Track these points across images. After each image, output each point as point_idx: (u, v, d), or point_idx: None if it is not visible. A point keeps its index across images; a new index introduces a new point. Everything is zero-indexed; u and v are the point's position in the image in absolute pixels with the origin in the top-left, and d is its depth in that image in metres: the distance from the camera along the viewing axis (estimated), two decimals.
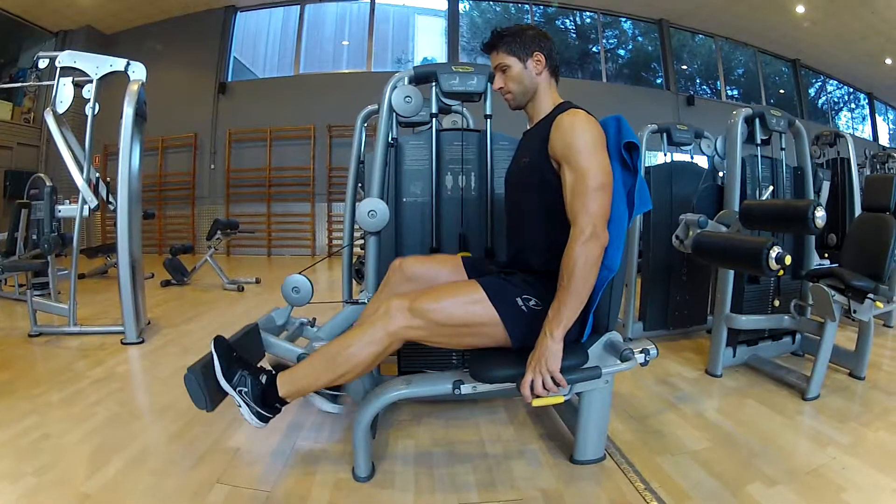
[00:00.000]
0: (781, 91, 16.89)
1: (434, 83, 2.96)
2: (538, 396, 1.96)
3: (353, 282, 4.34)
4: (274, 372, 2.17)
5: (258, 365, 2.24)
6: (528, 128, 2.38)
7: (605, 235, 1.95)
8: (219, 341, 2.14)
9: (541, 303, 2.06)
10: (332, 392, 2.17)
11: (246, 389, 2.07)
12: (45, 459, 2.37)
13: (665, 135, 4.74)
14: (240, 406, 2.08)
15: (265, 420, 2.10)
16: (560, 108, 2.18)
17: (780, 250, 2.81)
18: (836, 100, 18.46)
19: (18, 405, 3.01)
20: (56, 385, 3.36)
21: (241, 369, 2.11)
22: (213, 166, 13.57)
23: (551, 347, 1.91)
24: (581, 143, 1.99)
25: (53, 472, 2.26)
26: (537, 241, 2.20)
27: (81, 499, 2.07)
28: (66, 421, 2.80)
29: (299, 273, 2.71)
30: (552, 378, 1.91)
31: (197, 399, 2.06)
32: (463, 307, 2.04)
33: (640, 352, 2.12)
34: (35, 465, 2.32)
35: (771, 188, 3.90)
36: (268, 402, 2.09)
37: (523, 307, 2.07)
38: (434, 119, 3.06)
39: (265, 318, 2.64)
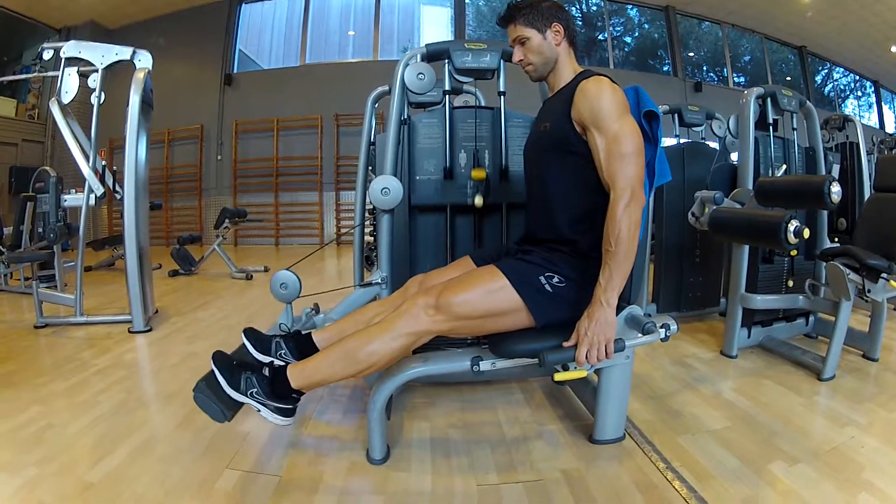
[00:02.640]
0: (788, 78, 16.80)
1: (447, 60, 2.91)
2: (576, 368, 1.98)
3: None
4: (282, 363, 2.14)
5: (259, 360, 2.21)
6: (549, 96, 2.34)
7: (643, 197, 1.95)
8: (216, 356, 2.09)
9: (563, 279, 2.05)
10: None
11: (255, 389, 2.01)
12: (48, 450, 2.32)
13: (676, 116, 4.70)
14: (259, 410, 2.02)
15: (288, 414, 2.05)
16: (583, 76, 2.14)
17: (798, 224, 2.81)
18: (842, 87, 18.37)
19: (22, 396, 2.97)
20: (61, 375, 3.32)
21: (244, 371, 2.06)
22: (219, 157, 13.56)
23: (608, 316, 1.91)
24: (609, 108, 1.97)
25: (56, 463, 2.21)
26: (561, 207, 2.15)
27: (84, 488, 2.02)
28: (71, 410, 2.77)
29: (286, 269, 2.67)
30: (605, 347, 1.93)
31: (213, 414, 2.02)
32: (487, 296, 2.00)
33: (661, 327, 2.08)
34: (37, 455, 2.27)
35: (784, 167, 3.87)
36: (282, 394, 2.02)
37: (547, 286, 2.03)
38: (447, 97, 3.01)
39: (272, 329, 2.61)
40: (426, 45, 2.90)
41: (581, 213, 2.08)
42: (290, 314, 2.71)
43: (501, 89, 2.98)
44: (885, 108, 18.36)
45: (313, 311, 2.78)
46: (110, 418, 2.67)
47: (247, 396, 2.01)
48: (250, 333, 2.28)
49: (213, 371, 2.04)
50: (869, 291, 3.06)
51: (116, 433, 2.49)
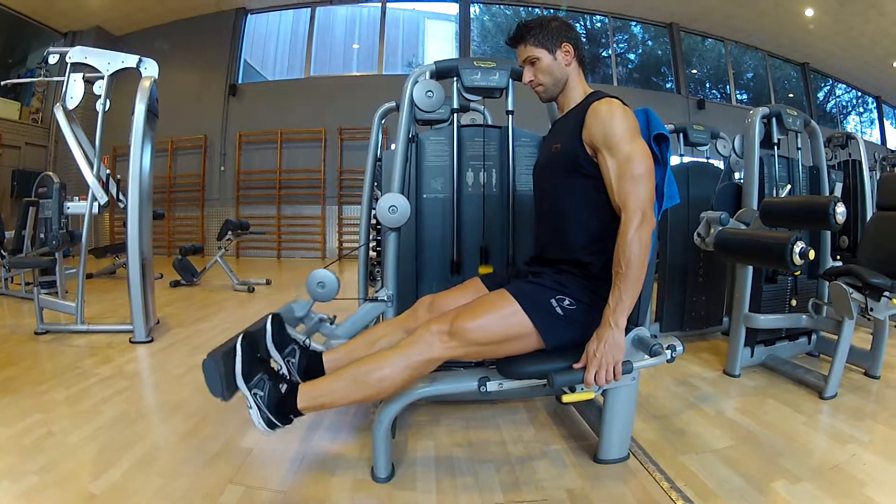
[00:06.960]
0: (790, 95, 16.89)
1: (456, 78, 2.92)
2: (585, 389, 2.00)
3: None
4: (298, 381, 2.11)
5: (280, 372, 2.18)
6: (558, 117, 2.34)
7: (654, 219, 1.95)
8: (245, 339, 2.05)
9: (575, 302, 2.05)
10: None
11: (262, 394, 1.98)
12: (49, 458, 2.31)
13: (681, 135, 4.71)
14: (250, 407, 1.98)
15: (273, 427, 2.00)
16: (594, 97, 2.15)
17: (804, 245, 2.80)
18: (844, 104, 18.45)
19: (22, 402, 2.97)
20: (62, 383, 3.32)
21: (262, 372, 2.04)
22: (223, 168, 13.60)
23: (617, 338, 1.91)
24: (621, 130, 1.97)
25: (57, 472, 2.20)
26: (572, 228, 2.15)
27: (86, 499, 2.01)
28: (72, 419, 2.76)
29: (325, 268, 2.66)
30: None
31: (213, 386, 1.97)
32: (499, 322, 2.00)
33: (667, 348, 2.09)
34: (38, 463, 2.26)
35: (789, 187, 3.87)
36: (282, 412, 2.00)
37: (558, 309, 2.03)
38: (454, 115, 3.01)
39: (285, 308, 2.58)
40: (435, 63, 2.89)
41: (592, 235, 2.08)
42: (308, 309, 2.69)
43: (510, 108, 2.98)
44: (888, 123, 18.39)
45: (328, 320, 2.77)
46: (112, 429, 2.66)
47: (251, 394, 1.98)
48: (275, 321, 2.25)
49: (234, 350, 2.00)
50: (871, 310, 3.08)
51: (118, 444, 2.48)
